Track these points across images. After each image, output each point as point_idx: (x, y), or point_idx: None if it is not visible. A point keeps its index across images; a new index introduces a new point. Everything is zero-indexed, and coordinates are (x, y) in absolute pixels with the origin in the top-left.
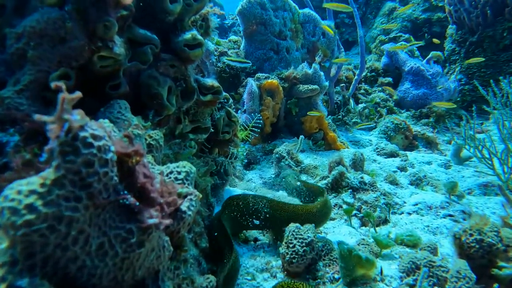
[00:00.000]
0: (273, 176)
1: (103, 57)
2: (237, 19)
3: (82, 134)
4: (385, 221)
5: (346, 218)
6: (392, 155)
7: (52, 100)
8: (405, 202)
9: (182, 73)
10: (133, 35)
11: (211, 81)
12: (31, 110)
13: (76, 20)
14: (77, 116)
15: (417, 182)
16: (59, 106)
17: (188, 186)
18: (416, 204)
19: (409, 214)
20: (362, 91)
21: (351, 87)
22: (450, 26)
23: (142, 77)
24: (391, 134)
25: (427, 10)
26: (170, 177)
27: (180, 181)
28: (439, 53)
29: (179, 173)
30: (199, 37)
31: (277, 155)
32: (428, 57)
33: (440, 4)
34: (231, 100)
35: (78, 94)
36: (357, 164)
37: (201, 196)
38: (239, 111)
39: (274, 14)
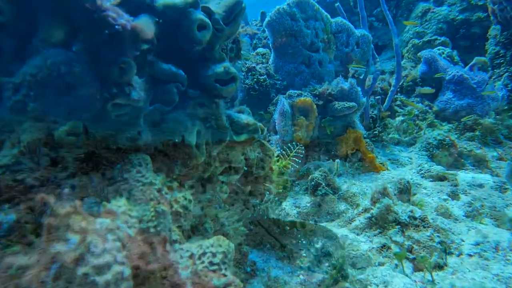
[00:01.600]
0: (308, 204)
1: (119, 105)
2: (261, 25)
3: (80, 271)
4: (441, 266)
5: (397, 262)
6: (439, 178)
7: (58, 161)
8: (462, 240)
9: (213, 112)
10: (156, 71)
11: (246, 119)
12: (32, 178)
13: (85, 63)
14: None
15: (474, 213)
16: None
17: (225, 271)
18: (478, 244)
19: (470, 256)
20: (398, 102)
21: (387, 99)
22: (493, 26)
23: (166, 121)
24: (434, 151)
25: (465, 10)
26: (203, 261)
27: (215, 267)
28: (484, 58)
29: (214, 255)
30: (233, 69)
31: (312, 183)
32: (471, 63)
33: (480, 3)
34: (265, 131)
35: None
36: (404, 193)
37: (241, 285)
38: (270, 133)
39: (305, 25)
